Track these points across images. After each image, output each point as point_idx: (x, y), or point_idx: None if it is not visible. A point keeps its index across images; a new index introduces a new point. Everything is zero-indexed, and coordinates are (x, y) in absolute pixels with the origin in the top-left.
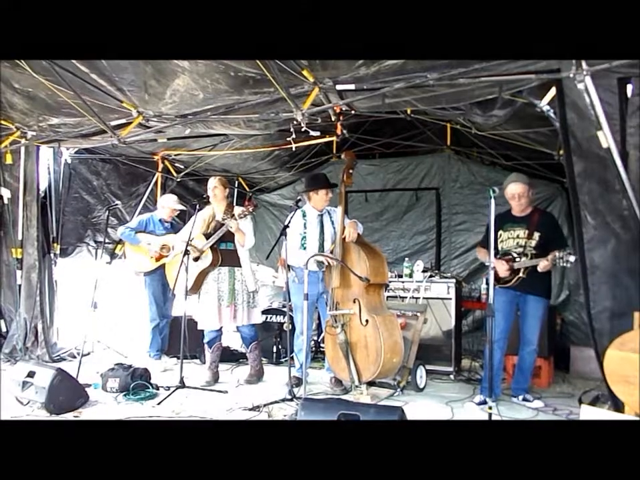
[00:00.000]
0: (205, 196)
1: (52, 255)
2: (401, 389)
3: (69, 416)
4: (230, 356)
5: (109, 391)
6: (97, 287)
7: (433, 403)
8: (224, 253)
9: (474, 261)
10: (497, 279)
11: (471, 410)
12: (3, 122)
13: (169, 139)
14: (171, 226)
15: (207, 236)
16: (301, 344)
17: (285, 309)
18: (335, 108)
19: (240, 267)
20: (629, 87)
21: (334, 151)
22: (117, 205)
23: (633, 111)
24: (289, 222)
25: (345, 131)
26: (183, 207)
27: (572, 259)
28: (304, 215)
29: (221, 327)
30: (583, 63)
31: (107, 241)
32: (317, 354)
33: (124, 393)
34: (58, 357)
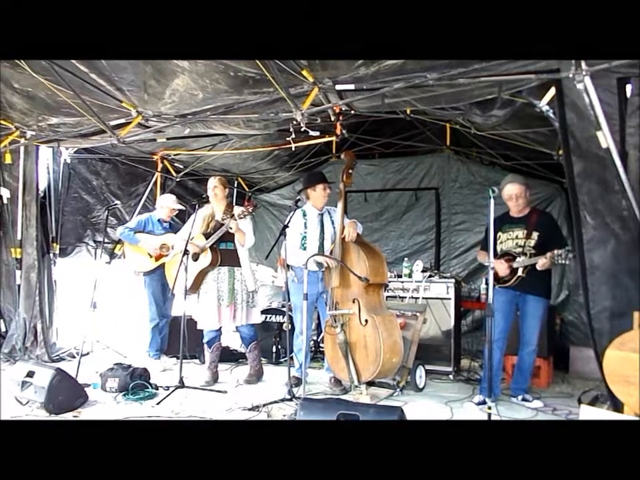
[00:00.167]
0: (204, 196)
1: (51, 254)
2: (400, 388)
3: (68, 416)
4: (229, 356)
5: (108, 390)
6: (96, 287)
7: (432, 403)
8: (223, 252)
9: (473, 260)
10: (497, 279)
11: (470, 410)
12: (2, 122)
13: (168, 139)
14: (169, 226)
15: (207, 235)
16: (300, 344)
17: (284, 309)
18: (334, 108)
19: (239, 266)
20: (629, 87)
21: (333, 151)
22: (116, 204)
23: (632, 110)
24: (289, 222)
25: (344, 131)
26: (181, 207)
27: (571, 256)
28: (304, 215)
29: (221, 327)
30: (583, 63)
31: (106, 240)
32: (316, 354)
33: (123, 392)
34: (57, 357)
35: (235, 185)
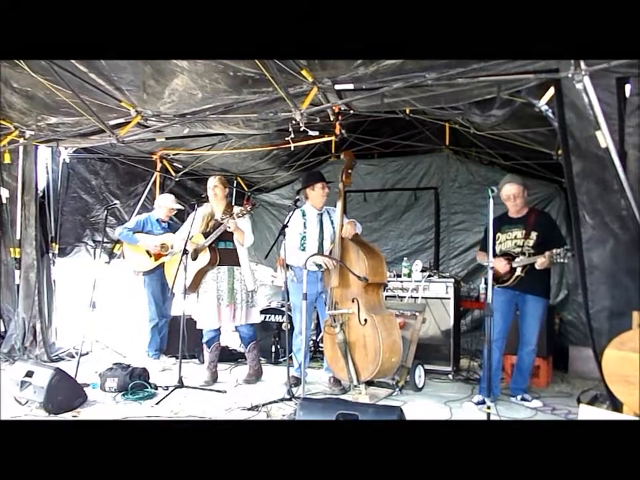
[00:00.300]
0: (203, 195)
1: (50, 254)
2: (399, 388)
3: (67, 416)
4: (229, 355)
5: (108, 390)
6: (96, 287)
7: (431, 403)
8: (223, 252)
9: (472, 260)
10: (496, 279)
11: (469, 410)
12: (1, 121)
13: (167, 139)
14: (168, 226)
15: (206, 235)
16: (299, 343)
17: (283, 309)
18: (333, 108)
19: (239, 266)
20: (628, 87)
21: (332, 151)
22: (115, 204)
23: (631, 110)
24: (288, 221)
25: (343, 131)
26: (180, 207)
27: (570, 255)
28: (303, 215)
29: (220, 327)
30: (582, 63)
31: (105, 240)
32: (315, 354)
33: (122, 392)
34: (56, 357)
35: (234, 185)
